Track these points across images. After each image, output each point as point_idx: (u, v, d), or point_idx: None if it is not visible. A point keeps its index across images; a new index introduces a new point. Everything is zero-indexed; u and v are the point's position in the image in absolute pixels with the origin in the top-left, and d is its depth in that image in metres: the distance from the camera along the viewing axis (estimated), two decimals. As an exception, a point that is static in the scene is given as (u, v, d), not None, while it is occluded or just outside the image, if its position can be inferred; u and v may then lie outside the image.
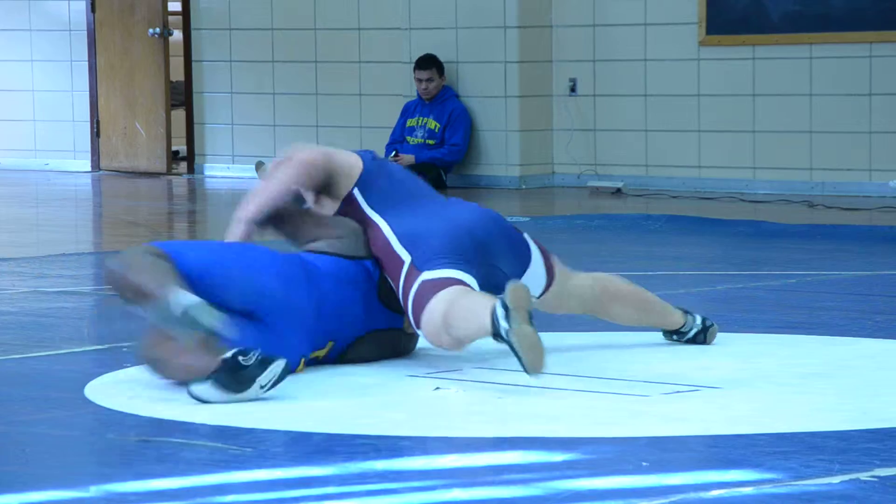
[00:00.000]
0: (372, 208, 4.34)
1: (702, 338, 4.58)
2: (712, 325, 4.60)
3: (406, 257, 4.22)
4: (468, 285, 4.14)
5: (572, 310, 4.49)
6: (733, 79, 9.53)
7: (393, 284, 4.28)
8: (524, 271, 4.34)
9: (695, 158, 9.70)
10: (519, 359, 3.90)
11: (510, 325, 3.88)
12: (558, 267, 4.43)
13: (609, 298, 4.47)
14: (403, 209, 4.34)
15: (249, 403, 3.90)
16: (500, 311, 3.91)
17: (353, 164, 4.38)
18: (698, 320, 4.57)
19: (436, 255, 4.18)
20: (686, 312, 4.59)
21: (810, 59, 9.35)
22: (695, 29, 9.63)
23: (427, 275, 4.15)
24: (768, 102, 9.46)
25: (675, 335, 4.59)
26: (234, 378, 3.79)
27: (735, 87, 9.54)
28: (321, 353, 4.22)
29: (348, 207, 4.36)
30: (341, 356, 4.29)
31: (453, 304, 4.08)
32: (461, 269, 4.15)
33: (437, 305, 4.11)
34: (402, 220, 4.31)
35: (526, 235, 4.41)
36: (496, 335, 3.95)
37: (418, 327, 4.20)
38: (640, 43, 9.77)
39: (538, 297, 4.38)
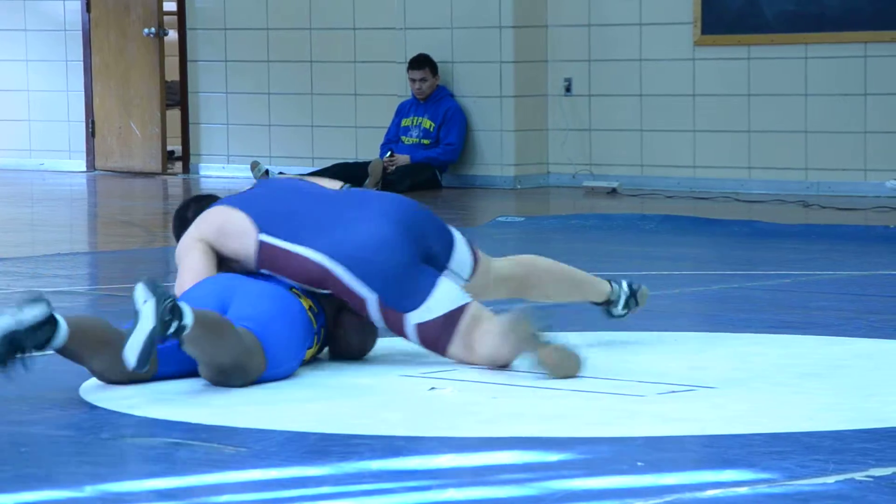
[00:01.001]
0: (288, 240, 4.13)
1: (633, 302, 4.55)
2: (640, 287, 4.56)
3: (368, 294, 4.10)
4: (464, 304, 4.12)
5: (500, 294, 4.44)
6: (728, 79, 9.54)
7: (356, 308, 4.17)
8: (451, 250, 4.29)
9: (690, 158, 9.71)
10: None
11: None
12: (479, 251, 4.41)
13: (538, 277, 4.44)
14: (321, 226, 4.14)
15: (245, 403, 3.90)
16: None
17: (231, 221, 4.18)
18: (625, 286, 4.55)
19: (404, 289, 4.08)
20: (611, 282, 4.56)
21: (805, 58, 9.35)
22: (690, 29, 9.63)
23: (415, 318, 4.11)
24: (763, 102, 9.47)
25: (608, 307, 4.55)
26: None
27: (730, 86, 9.54)
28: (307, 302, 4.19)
29: (267, 255, 4.13)
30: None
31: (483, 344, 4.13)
32: (431, 281, 4.11)
33: (469, 343, 4.14)
34: (330, 239, 4.11)
35: (441, 220, 4.35)
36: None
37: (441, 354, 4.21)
38: (636, 43, 9.77)
39: (467, 281, 4.33)
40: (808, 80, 9.34)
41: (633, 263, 6.60)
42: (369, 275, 4.11)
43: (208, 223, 4.29)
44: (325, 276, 4.14)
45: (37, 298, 3.77)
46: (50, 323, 3.78)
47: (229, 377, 4.01)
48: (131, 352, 3.78)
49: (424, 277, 4.14)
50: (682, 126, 9.70)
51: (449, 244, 4.30)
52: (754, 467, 3.23)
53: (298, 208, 4.25)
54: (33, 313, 3.75)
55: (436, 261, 4.25)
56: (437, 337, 4.14)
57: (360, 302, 4.14)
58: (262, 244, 4.18)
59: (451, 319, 4.13)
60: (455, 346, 4.17)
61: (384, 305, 4.12)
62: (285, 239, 4.17)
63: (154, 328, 3.75)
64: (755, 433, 3.52)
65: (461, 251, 4.32)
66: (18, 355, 3.76)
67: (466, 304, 4.16)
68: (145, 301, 3.77)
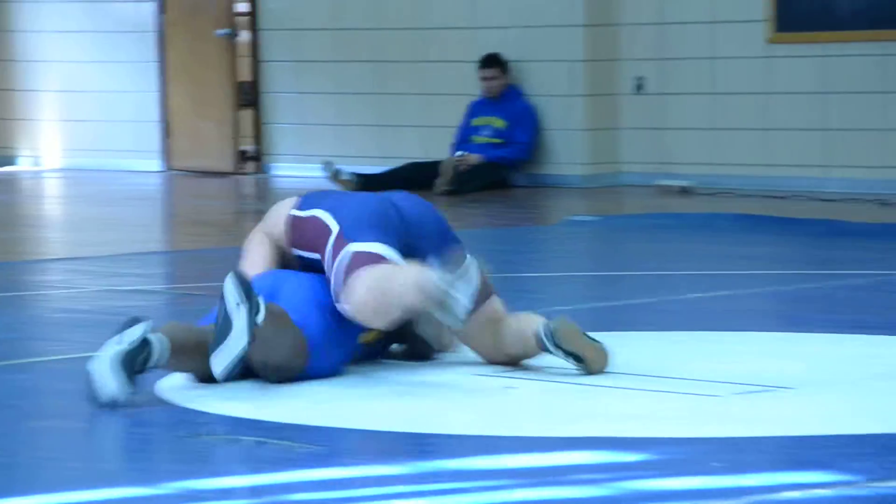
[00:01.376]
0: (302, 209, 4.34)
1: (555, 340, 4.15)
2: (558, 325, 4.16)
3: (334, 226, 4.23)
4: (392, 261, 4.11)
5: (483, 348, 4.25)
6: (803, 76, 9.44)
7: (321, 258, 4.22)
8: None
9: (763, 157, 9.62)
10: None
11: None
12: (496, 294, 4.24)
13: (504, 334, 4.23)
14: (337, 201, 4.33)
15: (319, 402, 3.92)
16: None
17: (282, 210, 4.39)
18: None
19: (363, 226, 4.18)
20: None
21: (883, 56, 9.23)
22: (763, 26, 9.55)
23: (355, 246, 4.15)
24: (839, 100, 9.36)
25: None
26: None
27: (805, 84, 9.44)
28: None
29: (291, 228, 4.31)
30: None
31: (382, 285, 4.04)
32: (387, 244, 4.14)
33: (365, 281, 4.06)
34: (331, 203, 4.31)
35: (462, 247, 4.23)
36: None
37: (337, 298, 4.13)
38: (708, 41, 9.70)
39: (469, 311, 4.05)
40: (885, 77, 9.22)
41: (708, 263, 6.56)
42: (341, 211, 4.25)
43: (270, 213, 4.45)
44: (319, 227, 4.25)
45: (135, 320, 3.86)
46: (148, 342, 3.85)
47: (268, 372, 4.04)
48: (220, 363, 3.83)
49: (384, 237, 4.17)
50: (755, 124, 9.61)
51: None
52: (833, 469, 3.20)
53: (335, 192, 4.41)
54: (135, 334, 3.83)
55: (421, 255, 4.19)
56: (358, 265, 4.08)
57: (327, 236, 4.20)
58: (289, 219, 4.35)
59: (375, 257, 4.11)
60: (363, 275, 4.05)
61: (340, 238, 4.18)
62: (305, 208, 4.35)
63: (245, 346, 3.79)
64: (834, 434, 3.49)
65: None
66: (135, 375, 3.85)
67: (390, 257, 4.12)
68: (238, 304, 3.80)
